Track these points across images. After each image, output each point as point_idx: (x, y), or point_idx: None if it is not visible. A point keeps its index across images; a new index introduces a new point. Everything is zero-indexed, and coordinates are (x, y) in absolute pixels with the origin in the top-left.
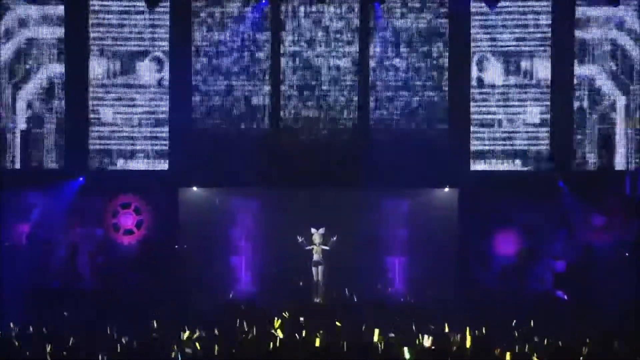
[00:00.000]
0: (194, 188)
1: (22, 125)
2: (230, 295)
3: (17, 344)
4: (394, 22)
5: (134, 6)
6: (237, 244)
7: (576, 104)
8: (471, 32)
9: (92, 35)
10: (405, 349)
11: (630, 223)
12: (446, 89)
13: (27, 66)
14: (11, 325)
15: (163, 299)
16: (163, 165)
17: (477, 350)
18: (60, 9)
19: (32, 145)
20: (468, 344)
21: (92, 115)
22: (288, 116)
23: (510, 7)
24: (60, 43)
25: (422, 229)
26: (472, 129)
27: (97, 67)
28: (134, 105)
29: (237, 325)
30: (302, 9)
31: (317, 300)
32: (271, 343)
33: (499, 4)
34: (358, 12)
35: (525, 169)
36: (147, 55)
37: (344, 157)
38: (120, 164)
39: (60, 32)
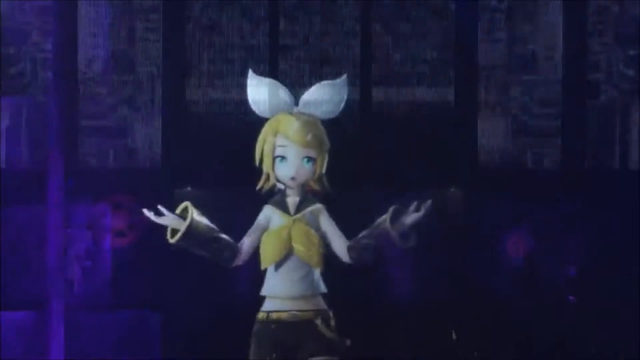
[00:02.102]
0: (189, 188)
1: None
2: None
3: None
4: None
5: None
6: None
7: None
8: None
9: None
10: None
11: None
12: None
13: None
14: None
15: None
16: (157, 164)
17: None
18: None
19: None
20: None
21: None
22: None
23: None
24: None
25: (427, 230)
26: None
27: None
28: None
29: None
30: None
31: None
32: None
33: None
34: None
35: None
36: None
37: (345, 156)
38: (111, 162)
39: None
